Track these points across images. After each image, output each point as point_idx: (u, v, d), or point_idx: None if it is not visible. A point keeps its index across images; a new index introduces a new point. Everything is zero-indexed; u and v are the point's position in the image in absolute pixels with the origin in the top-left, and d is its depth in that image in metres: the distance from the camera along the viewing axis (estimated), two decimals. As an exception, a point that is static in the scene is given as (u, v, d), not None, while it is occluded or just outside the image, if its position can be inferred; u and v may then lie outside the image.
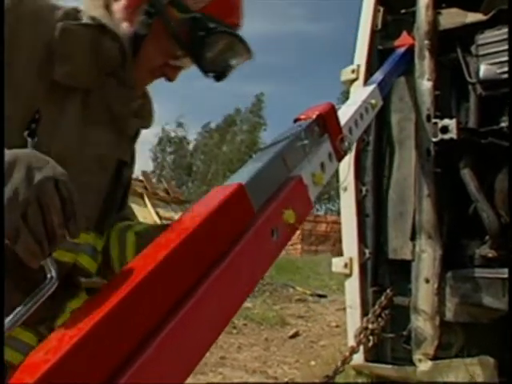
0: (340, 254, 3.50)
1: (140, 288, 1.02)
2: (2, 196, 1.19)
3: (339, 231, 4.23)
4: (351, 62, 3.47)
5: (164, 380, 1.04)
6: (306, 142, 1.65)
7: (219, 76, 1.62)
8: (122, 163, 1.56)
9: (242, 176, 1.35)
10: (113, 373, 0.95)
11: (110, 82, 1.45)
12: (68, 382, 0.89)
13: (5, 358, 1.32)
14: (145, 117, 1.65)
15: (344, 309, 4.13)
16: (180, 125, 41.19)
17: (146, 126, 1.69)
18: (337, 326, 5.92)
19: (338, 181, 3.48)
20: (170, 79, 1.57)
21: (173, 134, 41.04)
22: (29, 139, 1.31)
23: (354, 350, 2.80)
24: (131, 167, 1.71)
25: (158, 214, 10.40)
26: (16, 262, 1.25)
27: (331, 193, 32.25)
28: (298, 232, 18.53)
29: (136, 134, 1.69)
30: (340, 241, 3.68)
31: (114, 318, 0.97)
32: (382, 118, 3.30)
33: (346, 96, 3.73)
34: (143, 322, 1.03)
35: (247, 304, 6.71)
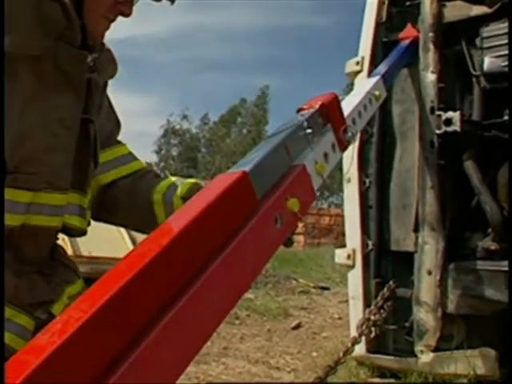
0: (343, 246, 3.51)
1: (144, 273, 1.04)
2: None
3: (342, 224, 4.24)
4: (356, 55, 3.47)
5: (168, 363, 1.06)
6: (308, 131, 1.65)
7: None
8: (88, 121, 1.57)
9: (245, 164, 1.36)
10: (118, 355, 0.97)
11: (60, 45, 1.45)
12: (73, 364, 0.91)
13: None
14: (106, 67, 1.65)
15: (346, 301, 4.14)
16: (185, 117, 41.19)
17: (111, 76, 1.71)
18: (339, 318, 5.93)
19: (341, 174, 3.49)
20: (127, 14, 1.57)
21: (178, 127, 41.06)
22: None
23: (356, 341, 2.81)
24: (109, 122, 1.77)
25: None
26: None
27: (334, 186, 32.19)
28: (301, 225, 18.55)
29: (104, 88, 1.71)
30: (343, 234, 3.69)
31: (118, 301, 0.98)
32: (385, 110, 3.31)
33: (350, 88, 3.74)
34: (147, 306, 1.04)
35: (250, 295, 6.74)
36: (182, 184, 1.72)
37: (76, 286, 1.56)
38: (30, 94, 1.40)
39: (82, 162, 1.55)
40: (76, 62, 1.48)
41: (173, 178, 1.79)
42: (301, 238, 18.87)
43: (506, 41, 2.83)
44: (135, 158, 1.85)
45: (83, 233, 1.60)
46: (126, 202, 1.76)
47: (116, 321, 0.98)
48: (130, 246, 5.56)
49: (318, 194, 1.63)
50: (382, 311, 3.03)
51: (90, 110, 1.59)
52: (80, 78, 1.51)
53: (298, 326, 5.52)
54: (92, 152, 1.60)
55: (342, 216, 4.43)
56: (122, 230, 5.59)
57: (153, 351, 1.02)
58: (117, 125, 1.82)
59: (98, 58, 1.55)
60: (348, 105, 2.18)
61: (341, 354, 2.64)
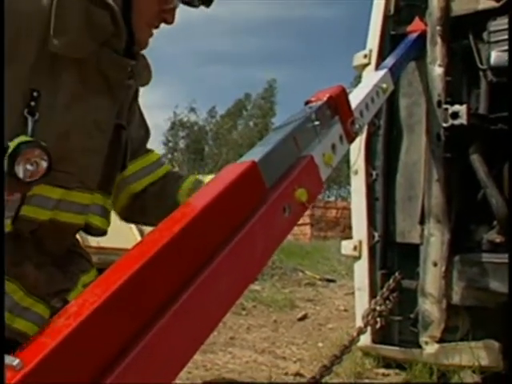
0: (349, 239, 3.54)
1: (155, 260, 1.07)
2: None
3: (349, 217, 4.26)
4: (363, 48, 3.49)
5: (177, 348, 1.09)
6: (316, 123, 1.68)
7: (209, 1, 1.69)
8: (120, 127, 1.62)
9: (254, 154, 1.39)
10: (130, 339, 1.00)
11: (104, 51, 1.49)
12: (88, 346, 0.94)
13: (19, 328, 1.40)
14: (141, 74, 1.68)
15: (352, 293, 4.17)
16: (192, 110, 41.14)
17: (146, 83, 1.74)
18: (345, 310, 5.95)
19: (348, 167, 3.51)
20: (170, 22, 1.62)
21: (185, 119, 41.01)
22: (29, 117, 1.38)
23: (361, 331, 2.84)
24: (140, 130, 1.83)
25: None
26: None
27: (341, 179, 32.14)
28: (308, 217, 18.54)
29: (136, 95, 1.77)
30: (349, 227, 3.71)
31: (131, 286, 1.01)
32: (392, 103, 3.33)
33: (358, 81, 3.75)
34: (159, 292, 1.07)
35: (256, 287, 6.77)
36: (202, 181, 1.81)
37: (90, 275, 1.61)
38: (73, 95, 1.46)
39: (111, 165, 1.62)
40: (118, 69, 1.54)
41: (194, 177, 1.88)
42: (307, 231, 18.86)
43: (514, 35, 2.85)
44: (162, 163, 1.92)
45: (103, 233, 1.66)
46: (156, 205, 1.84)
47: (128, 305, 1.02)
48: (138, 237, 5.60)
49: (325, 185, 1.66)
50: (387, 302, 3.06)
51: (123, 116, 1.65)
52: (119, 83, 1.57)
53: (303, 318, 5.55)
54: (121, 157, 1.66)
55: (349, 209, 4.43)
56: (130, 221, 5.63)
57: (163, 336, 1.05)
58: (146, 133, 1.89)
59: (136, 65, 1.59)
60: (355, 97, 2.20)
61: (346, 343, 2.67)
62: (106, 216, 1.64)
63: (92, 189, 1.55)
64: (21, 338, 1.31)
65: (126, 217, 1.93)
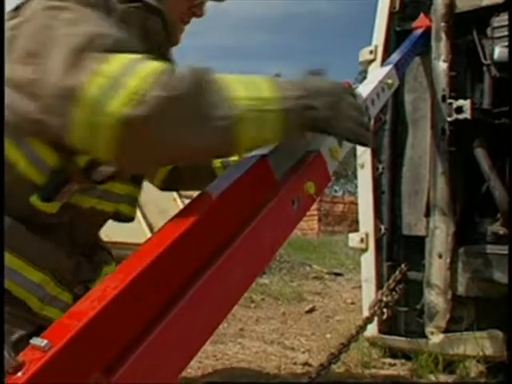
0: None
1: (171, 250, 1.14)
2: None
3: (356, 212, 4.29)
4: (369, 43, 3.52)
5: (191, 334, 1.16)
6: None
7: None
8: None
9: (264, 148, 1.45)
10: (149, 322, 1.07)
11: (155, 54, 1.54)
12: (112, 327, 1.01)
13: (48, 315, 1.47)
14: None
15: (359, 287, 4.21)
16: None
17: None
18: (352, 303, 5.98)
19: (355, 161, 3.55)
20: (201, 15, 1.69)
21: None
22: None
23: (368, 320, 2.89)
24: None
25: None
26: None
27: (349, 173, 32.07)
28: (316, 212, 18.57)
29: None
30: (357, 221, 3.74)
31: (150, 272, 1.09)
32: (398, 98, 3.37)
33: (363, 76, 3.79)
34: (175, 279, 1.14)
35: (265, 280, 6.82)
36: None
37: (112, 267, 1.68)
38: None
39: None
40: None
41: None
42: (315, 226, 18.90)
43: (517, 30, 2.88)
44: None
45: (131, 219, 1.73)
46: (191, 175, 2.01)
47: (147, 291, 1.08)
48: (148, 232, 5.65)
49: (333, 178, 1.72)
50: (393, 293, 3.10)
51: None
52: None
53: (311, 310, 5.59)
54: None
55: (356, 204, 4.46)
56: (140, 216, 5.68)
57: (176, 325, 1.12)
58: None
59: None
60: (361, 93, 2.25)
61: (353, 332, 2.73)
62: (133, 205, 1.72)
63: (128, 179, 1.62)
64: (48, 323, 1.38)
65: (165, 188, 2.10)
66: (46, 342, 0.94)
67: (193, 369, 3.16)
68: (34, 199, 1.41)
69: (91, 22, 1.32)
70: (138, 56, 1.24)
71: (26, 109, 1.28)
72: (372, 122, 2.64)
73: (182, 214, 1.27)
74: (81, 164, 1.43)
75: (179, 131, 1.19)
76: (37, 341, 0.95)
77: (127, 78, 1.16)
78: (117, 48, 1.25)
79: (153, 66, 1.21)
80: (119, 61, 1.21)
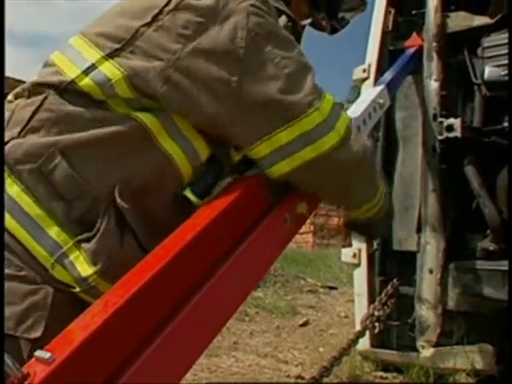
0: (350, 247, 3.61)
1: (170, 265, 1.19)
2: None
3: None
4: (362, 62, 3.57)
5: (186, 348, 1.21)
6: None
7: (335, 30, 1.92)
8: None
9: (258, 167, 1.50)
10: (150, 334, 1.12)
11: None
12: (113, 340, 1.06)
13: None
14: None
15: (353, 301, 4.24)
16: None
17: None
18: (346, 317, 5.99)
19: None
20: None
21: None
22: None
23: (360, 334, 2.91)
24: None
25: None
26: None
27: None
28: (310, 225, 18.51)
29: None
30: (351, 235, 3.77)
31: (149, 287, 1.13)
32: (389, 116, 3.41)
33: (357, 91, 3.84)
34: (173, 294, 1.19)
35: (259, 293, 6.82)
36: None
37: None
38: None
39: None
40: None
41: None
42: (310, 239, 18.82)
43: (507, 51, 2.92)
44: None
45: None
46: None
47: (147, 305, 1.13)
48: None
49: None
50: (385, 307, 3.12)
51: None
52: None
53: (305, 324, 5.61)
54: None
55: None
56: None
57: (173, 338, 1.17)
58: None
59: None
60: (354, 112, 2.30)
61: (345, 346, 2.76)
62: None
63: None
64: None
65: None
66: (49, 354, 0.98)
67: (187, 381, 3.18)
68: (189, 194, 1.42)
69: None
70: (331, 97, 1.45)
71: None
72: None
73: (178, 232, 1.31)
74: (235, 158, 1.49)
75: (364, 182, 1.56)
76: (41, 353, 0.99)
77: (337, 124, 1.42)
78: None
79: (344, 114, 1.47)
80: (329, 101, 1.42)
